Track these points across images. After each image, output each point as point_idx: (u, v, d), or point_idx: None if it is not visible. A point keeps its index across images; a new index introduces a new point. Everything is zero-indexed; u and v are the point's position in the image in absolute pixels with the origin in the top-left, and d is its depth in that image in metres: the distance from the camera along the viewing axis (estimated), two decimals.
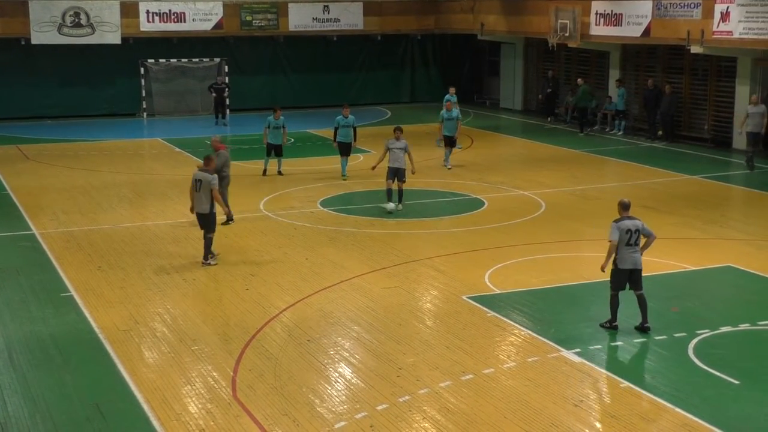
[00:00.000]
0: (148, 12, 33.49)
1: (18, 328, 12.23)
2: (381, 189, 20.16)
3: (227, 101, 33.17)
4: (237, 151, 26.61)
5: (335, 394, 10.13)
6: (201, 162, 15.64)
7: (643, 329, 11.79)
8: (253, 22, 35.05)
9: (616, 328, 11.88)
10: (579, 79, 31.00)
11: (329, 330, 12.10)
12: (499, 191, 20.85)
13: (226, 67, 34.72)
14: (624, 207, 12.04)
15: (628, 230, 11.76)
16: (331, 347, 11.50)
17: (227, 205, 17.20)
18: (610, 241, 11.84)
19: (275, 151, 22.49)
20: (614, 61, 31.18)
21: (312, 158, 25.43)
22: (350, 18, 36.29)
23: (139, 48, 33.72)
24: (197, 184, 14.84)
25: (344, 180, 21.84)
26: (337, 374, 10.69)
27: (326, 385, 10.34)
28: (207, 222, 14.91)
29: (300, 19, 35.65)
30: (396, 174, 18.47)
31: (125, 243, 16.53)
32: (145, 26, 33.56)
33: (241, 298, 13.43)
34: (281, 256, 15.63)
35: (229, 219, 17.60)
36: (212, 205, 14.81)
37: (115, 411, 9.70)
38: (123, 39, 33.08)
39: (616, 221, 11.88)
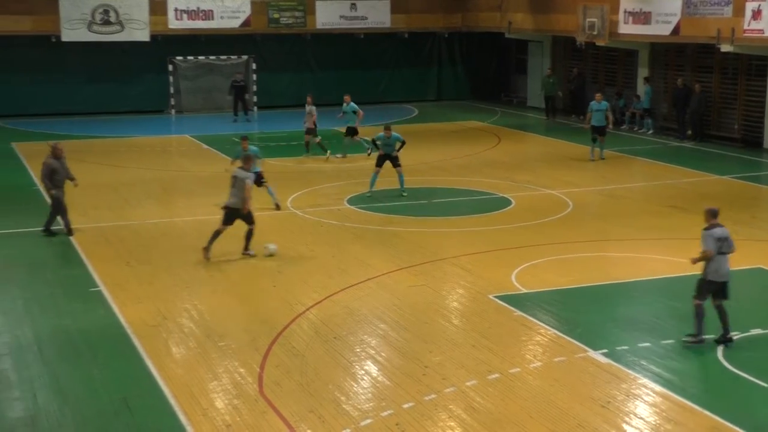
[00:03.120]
0: (176, 9, 33.67)
1: (47, 322, 12.34)
2: (410, 187, 20.17)
3: (246, 97, 33.21)
4: (264, 148, 26.70)
5: (361, 391, 10.14)
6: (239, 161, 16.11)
7: (725, 341, 11.22)
8: (281, 19, 35.13)
9: (702, 342, 11.23)
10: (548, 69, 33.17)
11: (356, 327, 12.11)
12: (526, 190, 20.77)
13: (254, 65, 34.85)
14: (713, 215, 11.41)
15: (719, 239, 11.21)
16: (357, 345, 11.51)
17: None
18: (705, 251, 11.18)
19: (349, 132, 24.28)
20: (643, 60, 30.96)
21: (338, 155, 25.40)
22: (377, 15, 36.28)
23: (167, 45, 33.92)
24: (233, 180, 15.21)
25: (369, 195, 20.05)
26: (364, 372, 10.69)
27: (352, 383, 10.36)
28: (241, 216, 15.20)
29: (327, 16, 35.69)
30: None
31: (153, 239, 16.64)
32: (174, 23, 33.74)
33: (268, 294, 13.47)
34: (308, 253, 15.66)
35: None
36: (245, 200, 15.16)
37: (142, 406, 9.77)
38: (151, 36, 33.28)
39: (707, 229, 11.28)
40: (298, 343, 11.48)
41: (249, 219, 15.33)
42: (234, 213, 15.20)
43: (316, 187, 21.07)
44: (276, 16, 35.09)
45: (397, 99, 37.36)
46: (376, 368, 10.80)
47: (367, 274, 14.35)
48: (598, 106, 24.45)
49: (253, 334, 11.82)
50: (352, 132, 24.97)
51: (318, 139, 24.97)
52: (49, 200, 17.02)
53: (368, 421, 9.37)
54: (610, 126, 25.00)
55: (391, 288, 13.74)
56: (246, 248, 15.41)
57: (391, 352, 11.28)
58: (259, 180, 17.84)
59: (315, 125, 24.96)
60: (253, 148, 18.33)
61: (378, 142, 20.07)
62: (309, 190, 20.79)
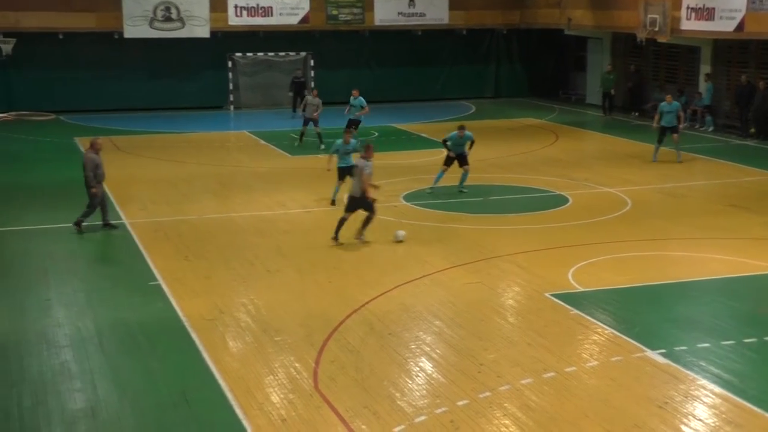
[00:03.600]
0: (236, 6, 34.02)
1: (107, 314, 12.57)
2: (468, 184, 20.10)
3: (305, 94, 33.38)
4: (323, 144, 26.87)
5: (416, 388, 10.15)
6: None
7: None
8: (339, 16, 35.29)
9: None
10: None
11: (410, 324, 12.12)
12: (584, 188, 20.58)
13: (312, 61, 35.04)
14: None
15: None
16: (412, 341, 11.52)
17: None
18: None
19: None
20: (705, 57, 30.44)
21: (396, 152, 25.46)
22: (435, 12, 36.23)
23: (226, 42, 34.30)
24: (355, 170, 16.00)
25: (429, 192, 20.25)
26: (418, 368, 10.70)
27: (407, 379, 10.37)
28: (363, 204, 15.82)
29: (385, 13, 35.74)
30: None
31: (211, 234, 16.84)
32: (234, 20, 34.11)
33: (324, 290, 13.55)
34: (364, 249, 15.71)
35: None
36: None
37: (199, 399, 9.90)
38: (211, 33, 33.69)
39: None
40: (353, 339, 11.53)
41: (370, 207, 15.90)
42: (356, 201, 15.85)
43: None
44: (335, 12, 35.26)
45: (454, 96, 37.28)
46: (431, 365, 10.80)
47: (422, 270, 14.36)
48: (669, 107, 23.72)
49: (308, 329, 11.90)
50: (354, 124, 25.10)
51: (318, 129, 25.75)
52: (90, 195, 16.76)
53: (422, 417, 9.37)
54: (682, 125, 24.21)
55: (446, 285, 13.73)
56: (360, 234, 15.98)
57: (446, 349, 11.27)
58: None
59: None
60: (353, 141, 18.74)
61: (448, 143, 19.92)
62: None
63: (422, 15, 36.08)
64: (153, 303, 13.02)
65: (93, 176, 16.67)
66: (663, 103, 24.00)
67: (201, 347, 11.30)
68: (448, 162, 19.92)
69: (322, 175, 20.19)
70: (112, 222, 17.26)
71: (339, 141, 18.59)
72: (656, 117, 24.08)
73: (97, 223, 17.21)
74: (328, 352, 11.12)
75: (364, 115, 25.79)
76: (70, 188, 19.96)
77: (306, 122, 26.35)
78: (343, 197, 16.91)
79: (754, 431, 9.05)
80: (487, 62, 38.29)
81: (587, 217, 17.79)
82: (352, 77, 36.06)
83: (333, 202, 18.77)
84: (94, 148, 16.94)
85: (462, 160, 19.91)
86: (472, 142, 20.05)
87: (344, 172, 18.23)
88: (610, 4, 32.27)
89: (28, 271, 14.71)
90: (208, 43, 33.90)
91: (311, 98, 26.46)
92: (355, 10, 35.47)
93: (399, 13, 35.90)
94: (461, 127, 19.95)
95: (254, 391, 10.00)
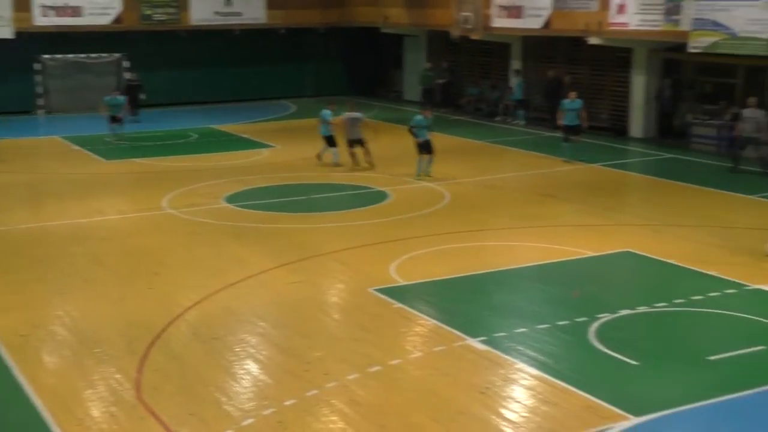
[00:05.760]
0: (42, 6, 32.51)
1: None
2: (282, 183, 20.09)
3: (142, 97, 32.29)
4: (139, 148, 26.17)
5: (242, 391, 10.04)
6: None
7: None
8: (153, 16, 34.39)
9: None
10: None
11: (235, 327, 11.98)
12: (404, 183, 20.96)
13: (127, 63, 33.99)
14: None
15: None
16: (237, 344, 11.38)
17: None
18: None
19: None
20: (515, 53, 31.66)
21: (216, 154, 25.11)
22: (252, 11, 35.96)
23: (33, 43, 32.67)
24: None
25: (418, 179, 21.01)
26: (244, 371, 10.59)
27: (233, 383, 10.24)
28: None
29: (201, 12, 35.13)
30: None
31: (23, 245, 16.04)
32: (40, 20, 32.55)
33: (145, 297, 13.19)
34: (185, 253, 15.41)
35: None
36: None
37: (12, 422, 9.40)
38: (16, 33, 32.01)
39: None
40: (176, 346, 11.28)
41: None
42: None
43: (193, 186, 20.71)
44: (148, 12, 34.33)
45: (275, 95, 37.13)
46: (257, 367, 10.71)
47: (246, 272, 14.22)
48: (571, 104, 23.35)
49: (129, 338, 11.54)
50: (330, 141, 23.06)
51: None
52: None
53: (250, 420, 9.28)
54: (585, 125, 23.48)
55: (270, 285, 13.66)
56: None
57: (272, 350, 11.21)
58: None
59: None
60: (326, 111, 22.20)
61: (415, 129, 21.13)
62: (186, 189, 20.42)
63: (239, 14, 35.72)
64: None
65: None
66: (566, 101, 23.58)
67: (13, 365, 10.73)
68: (422, 149, 21.08)
69: (140, 179, 19.70)
70: None
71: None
72: (559, 114, 23.67)
73: None
74: (150, 360, 10.83)
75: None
76: None
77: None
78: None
79: (569, 408, 9.48)
80: (307, 61, 38.32)
81: (408, 211, 18.12)
82: (170, 79, 35.33)
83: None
84: None
85: (428, 146, 20.99)
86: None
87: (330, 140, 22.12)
88: (425, 2, 33.01)
89: None
90: (13, 45, 32.19)
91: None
92: (170, 10, 34.66)
93: (215, 13, 35.37)
94: (425, 110, 21.64)
95: (73, 407, 9.60)
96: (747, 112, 21.80)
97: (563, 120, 23.44)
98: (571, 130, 23.44)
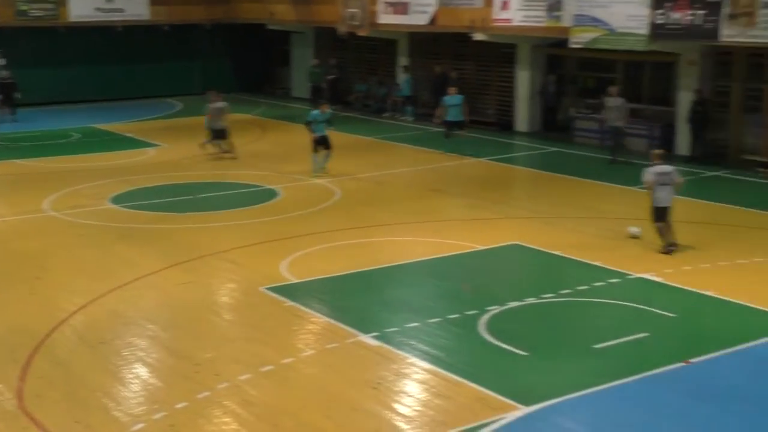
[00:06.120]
0: None
1: None
2: (170, 182, 19.73)
3: (17, 95, 31.03)
4: (19, 149, 25.30)
5: (131, 395, 9.80)
6: None
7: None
8: (30, 11, 33.27)
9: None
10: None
11: (123, 330, 11.69)
12: (293, 181, 20.85)
13: (3, 61, 32.72)
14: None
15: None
16: (125, 348, 11.11)
17: None
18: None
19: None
20: (402, 49, 31.88)
21: (100, 154, 24.48)
22: (135, 7, 35.22)
23: None
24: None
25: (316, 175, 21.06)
26: (133, 375, 10.34)
27: (121, 388, 9.99)
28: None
29: (81, 8, 34.18)
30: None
31: None
32: None
33: (27, 302, 12.74)
34: (69, 256, 14.96)
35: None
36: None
37: None
38: None
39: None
40: (61, 352, 10.93)
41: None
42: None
43: (77, 187, 20.13)
44: (24, 8, 33.22)
45: (160, 93, 36.43)
46: (147, 370, 10.48)
47: (134, 274, 13.89)
48: (452, 100, 23.70)
49: (10, 345, 11.13)
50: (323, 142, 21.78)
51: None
52: None
53: (140, 425, 9.07)
54: (466, 119, 24.19)
55: (159, 287, 13.38)
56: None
57: (162, 353, 10.99)
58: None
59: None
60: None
61: (312, 124, 21.03)
62: (69, 191, 19.84)
63: (121, 11, 34.90)
64: None
65: None
66: (446, 97, 23.88)
67: None
68: (318, 145, 21.06)
69: (19, 180, 19.03)
70: None
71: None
72: (439, 111, 23.92)
73: None
74: (34, 368, 10.46)
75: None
76: None
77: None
78: None
79: (461, 401, 9.59)
80: (193, 58, 37.72)
81: (298, 209, 18.04)
82: (50, 76, 34.24)
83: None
84: None
85: (325, 141, 21.03)
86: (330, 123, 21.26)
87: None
88: None
89: None
90: None
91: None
92: (48, 6, 33.59)
93: (96, 9, 34.46)
94: (322, 105, 21.48)
95: None
96: (609, 101, 22.67)
97: (447, 116, 24.00)
98: (456, 125, 24.01)
